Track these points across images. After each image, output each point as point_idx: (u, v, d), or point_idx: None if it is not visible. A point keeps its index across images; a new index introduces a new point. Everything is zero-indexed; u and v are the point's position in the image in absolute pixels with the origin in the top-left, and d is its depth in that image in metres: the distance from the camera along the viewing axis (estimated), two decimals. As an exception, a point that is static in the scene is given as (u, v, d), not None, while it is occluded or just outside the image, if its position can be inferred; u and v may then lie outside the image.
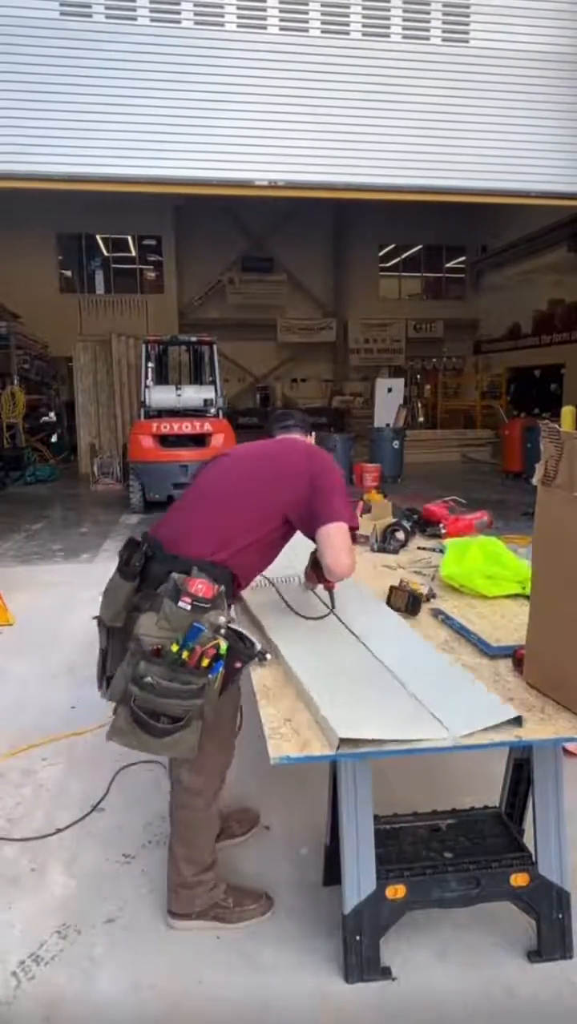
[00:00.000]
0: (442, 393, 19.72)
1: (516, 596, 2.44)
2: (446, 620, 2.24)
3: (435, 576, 2.67)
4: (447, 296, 21.75)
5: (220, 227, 18.72)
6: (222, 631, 1.71)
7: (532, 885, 1.91)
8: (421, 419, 18.86)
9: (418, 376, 20.64)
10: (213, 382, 9.80)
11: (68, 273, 19.45)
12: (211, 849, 2.08)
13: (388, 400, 13.19)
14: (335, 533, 1.90)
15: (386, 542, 3.11)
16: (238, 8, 6.67)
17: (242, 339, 18.99)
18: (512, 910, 1.98)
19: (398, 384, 13.88)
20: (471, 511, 3.54)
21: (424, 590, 2.40)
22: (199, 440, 8.93)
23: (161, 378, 10.49)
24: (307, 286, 20.58)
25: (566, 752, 2.52)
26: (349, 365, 20.59)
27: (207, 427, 9.02)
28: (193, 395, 9.51)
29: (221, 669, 1.70)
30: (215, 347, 9.99)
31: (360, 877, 1.82)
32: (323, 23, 6.84)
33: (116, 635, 1.90)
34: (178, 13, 6.58)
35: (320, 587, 2.28)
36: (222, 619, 1.72)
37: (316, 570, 2.17)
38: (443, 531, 3.30)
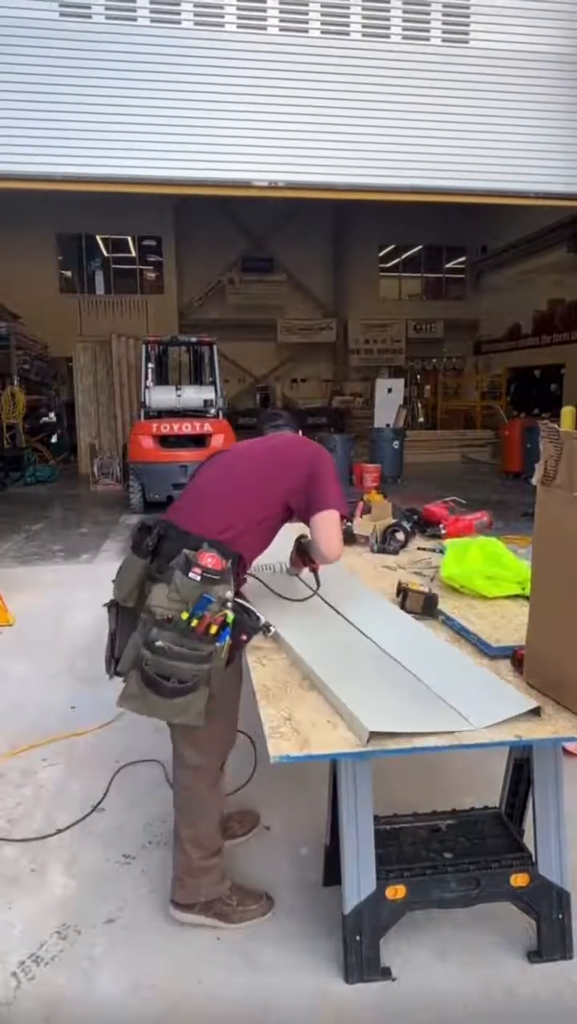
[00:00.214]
0: (442, 393, 19.70)
1: (516, 596, 2.44)
2: (446, 621, 2.25)
3: (435, 577, 2.68)
4: (447, 296, 21.73)
5: (220, 227, 18.71)
6: (229, 604, 1.81)
7: (532, 885, 1.92)
8: (421, 419, 18.84)
9: (418, 376, 20.61)
10: (213, 382, 9.78)
11: (68, 273, 19.42)
12: (217, 835, 2.09)
13: (388, 400, 13.18)
14: (329, 519, 2.04)
15: (386, 543, 3.11)
16: (238, 8, 6.66)
17: (242, 339, 18.95)
18: (512, 910, 1.98)
19: (398, 384, 13.86)
20: (471, 511, 3.54)
21: (425, 590, 2.40)
22: (199, 441, 8.90)
23: (161, 379, 10.47)
24: (307, 286, 20.56)
25: (566, 752, 2.53)
26: (349, 365, 20.56)
27: (207, 428, 9.01)
28: (193, 395, 9.49)
29: (228, 638, 1.81)
30: (215, 347, 9.97)
31: (360, 877, 1.82)
32: (323, 23, 6.83)
33: (126, 616, 1.97)
34: (178, 14, 6.58)
35: (305, 571, 2.39)
36: (229, 593, 1.82)
37: (301, 555, 2.32)
38: (443, 532, 3.31)
